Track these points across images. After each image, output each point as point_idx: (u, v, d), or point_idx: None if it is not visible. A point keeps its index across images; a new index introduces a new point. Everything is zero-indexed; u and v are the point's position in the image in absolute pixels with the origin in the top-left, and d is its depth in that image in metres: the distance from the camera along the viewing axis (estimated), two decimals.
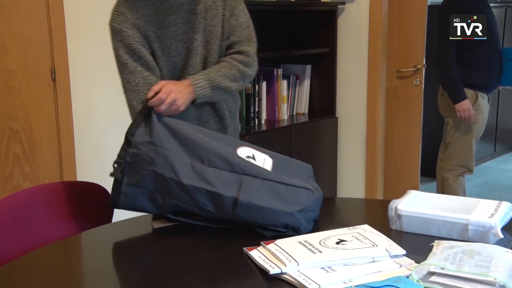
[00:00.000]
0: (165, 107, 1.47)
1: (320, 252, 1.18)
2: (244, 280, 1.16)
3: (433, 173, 4.14)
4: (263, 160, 1.47)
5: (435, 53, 3.28)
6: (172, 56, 1.63)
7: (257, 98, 3.18)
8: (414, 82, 3.39)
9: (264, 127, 3.22)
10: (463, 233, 1.32)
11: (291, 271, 1.11)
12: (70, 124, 2.64)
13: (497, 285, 1.02)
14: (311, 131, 3.38)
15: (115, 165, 1.40)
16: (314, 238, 1.27)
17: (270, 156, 1.51)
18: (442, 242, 1.23)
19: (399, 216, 1.39)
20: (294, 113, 3.50)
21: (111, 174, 1.41)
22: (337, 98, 3.51)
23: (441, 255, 1.14)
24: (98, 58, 2.68)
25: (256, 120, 3.19)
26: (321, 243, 1.23)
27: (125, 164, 1.39)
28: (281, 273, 1.11)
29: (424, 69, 3.39)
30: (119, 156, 1.41)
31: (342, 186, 3.52)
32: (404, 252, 1.21)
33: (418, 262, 1.14)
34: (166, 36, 1.61)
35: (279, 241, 1.25)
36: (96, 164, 2.81)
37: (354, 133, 3.48)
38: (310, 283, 1.06)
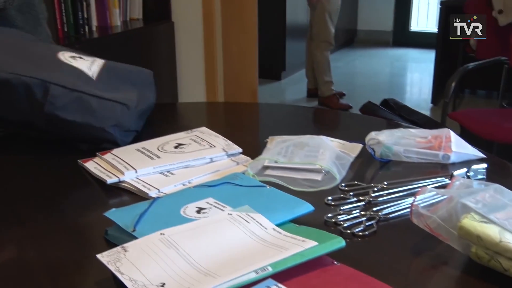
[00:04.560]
0: None
1: (159, 157, 1.17)
2: (81, 192, 1.12)
3: (269, 74, 4.31)
4: (91, 62, 1.35)
5: None
6: None
7: (84, 3, 2.95)
8: None
9: (95, 35, 3.03)
10: None
11: (130, 179, 1.09)
12: None
13: (322, 171, 1.12)
14: (147, 37, 3.26)
15: None
16: (152, 144, 1.25)
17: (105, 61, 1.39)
18: (276, 137, 1.29)
19: None
20: (128, 19, 3.33)
21: None
22: (172, 2, 3.40)
23: (275, 150, 1.20)
24: None
25: (86, 27, 2.98)
26: (159, 148, 1.22)
27: None
28: (119, 181, 1.09)
29: None
30: None
31: (183, 91, 3.51)
32: (240, 150, 1.24)
33: (253, 158, 1.19)
34: None
35: (116, 150, 1.21)
36: None
37: (192, 38, 3.43)
38: (149, 188, 1.06)
